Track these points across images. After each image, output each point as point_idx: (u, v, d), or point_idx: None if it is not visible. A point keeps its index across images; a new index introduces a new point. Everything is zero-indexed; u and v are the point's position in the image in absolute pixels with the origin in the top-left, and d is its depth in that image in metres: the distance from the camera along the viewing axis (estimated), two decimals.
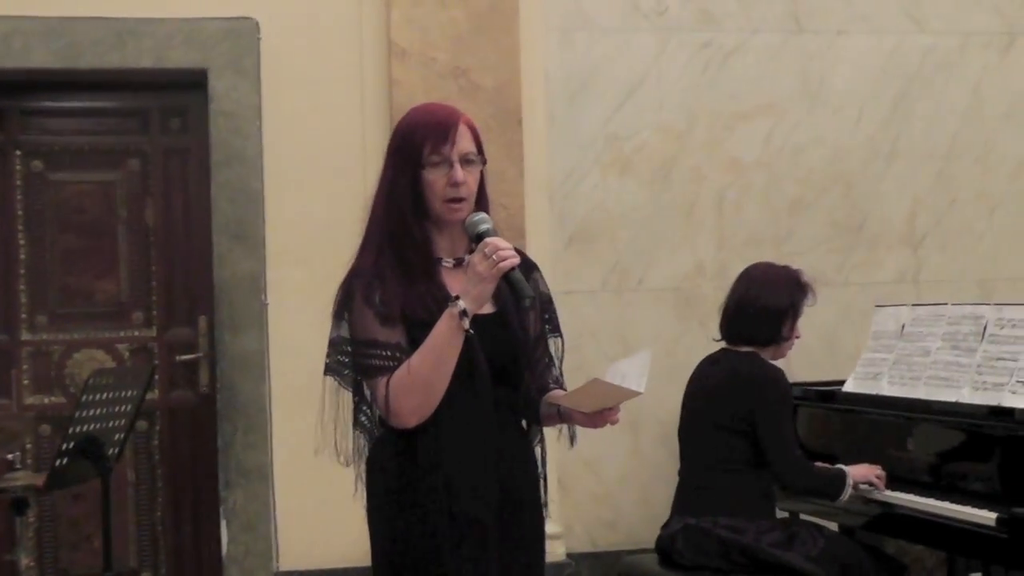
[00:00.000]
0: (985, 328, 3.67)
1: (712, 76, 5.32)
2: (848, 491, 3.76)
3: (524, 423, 2.74)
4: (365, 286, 2.59)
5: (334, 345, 2.62)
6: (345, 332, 2.60)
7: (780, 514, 4.33)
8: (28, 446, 4.95)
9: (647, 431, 5.13)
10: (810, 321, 5.13)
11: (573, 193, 5.20)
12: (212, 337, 4.96)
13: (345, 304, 2.61)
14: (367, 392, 2.62)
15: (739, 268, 5.20)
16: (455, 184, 2.59)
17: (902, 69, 5.47)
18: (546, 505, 2.77)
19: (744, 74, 5.35)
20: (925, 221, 5.47)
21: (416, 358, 2.54)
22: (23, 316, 5.02)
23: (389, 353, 2.54)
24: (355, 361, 2.59)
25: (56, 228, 5.05)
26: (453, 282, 2.61)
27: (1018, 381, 3.46)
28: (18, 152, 5.03)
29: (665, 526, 3.92)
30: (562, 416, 2.71)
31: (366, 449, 2.68)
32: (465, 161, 2.62)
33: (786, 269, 4.00)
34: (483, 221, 2.60)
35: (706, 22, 5.34)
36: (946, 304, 3.95)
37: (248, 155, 4.91)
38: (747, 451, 3.80)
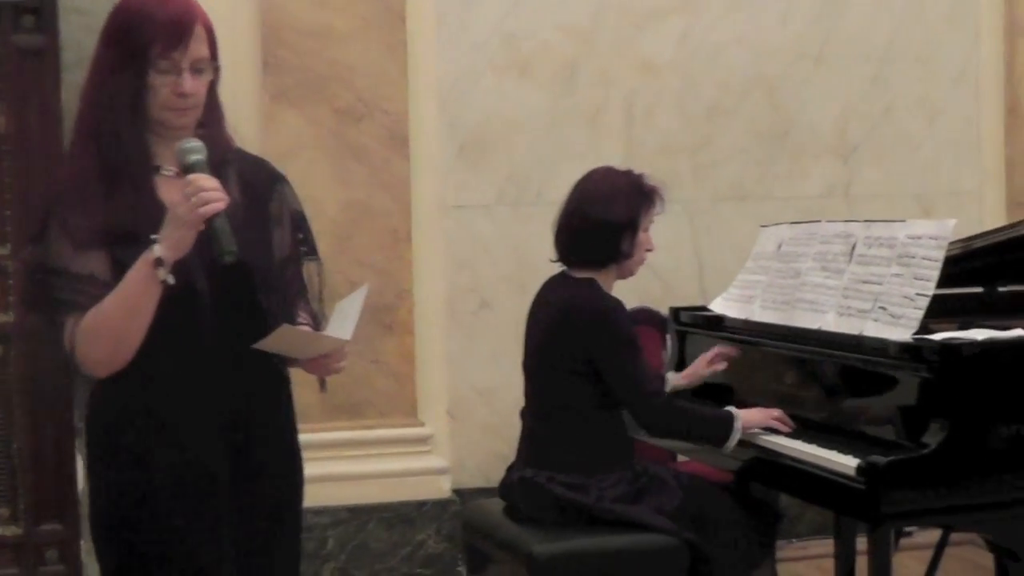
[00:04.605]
0: (854, 248, 3.51)
1: None
2: (736, 436, 3.55)
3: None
4: (60, 201, 2.41)
5: (30, 272, 2.41)
6: (41, 256, 2.39)
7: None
8: None
9: None
10: (726, 237, 5.24)
11: (464, 98, 5.02)
12: None
13: (41, 222, 2.42)
14: None
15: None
16: (182, 95, 2.42)
17: None
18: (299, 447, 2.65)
19: None
20: (857, 130, 5.31)
21: (107, 303, 2.35)
22: None
23: (80, 287, 2.36)
24: (45, 292, 2.38)
25: None
26: (171, 193, 2.41)
27: (880, 307, 3.30)
28: None
29: (509, 469, 3.76)
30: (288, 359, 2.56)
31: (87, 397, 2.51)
32: (195, 69, 2.44)
33: (627, 175, 3.73)
34: (194, 151, 2.38)
35: None
36: (820, 221, 3.79)
37: None
38: (591, 393, 3.60)
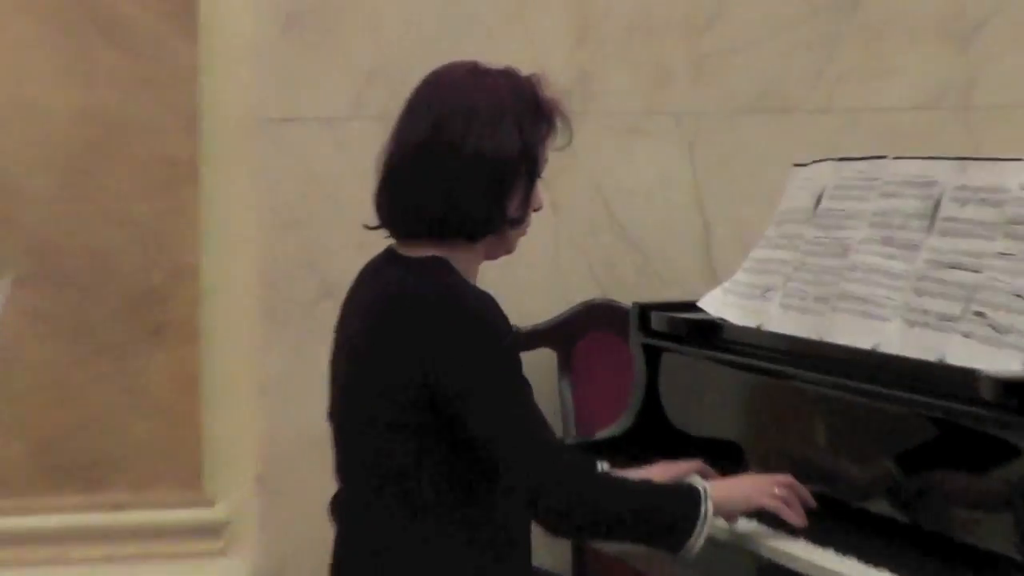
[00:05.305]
0: (937, 205, 3.45)
1: None
2: (702, 530, 3.27)
3: None
4: None
5: None
6: None
7: None
8: None
9: None
10: (749, 175, 5.26)
11: None
12: None
13: None
14: None
15: (622, 83, 5.16)
16: None
17: None
18: None
19: None
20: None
21: None
22: None
23: None
24: None
25: None
26: None
27: (976, 312, 3.19)
28: None
29: None
30: None
31: None
32: None
33: (508, 77, 3.40)
34: None
35: None
36: (885, 157, 3.71)
37: None
38: (440, 458, 3.29)
